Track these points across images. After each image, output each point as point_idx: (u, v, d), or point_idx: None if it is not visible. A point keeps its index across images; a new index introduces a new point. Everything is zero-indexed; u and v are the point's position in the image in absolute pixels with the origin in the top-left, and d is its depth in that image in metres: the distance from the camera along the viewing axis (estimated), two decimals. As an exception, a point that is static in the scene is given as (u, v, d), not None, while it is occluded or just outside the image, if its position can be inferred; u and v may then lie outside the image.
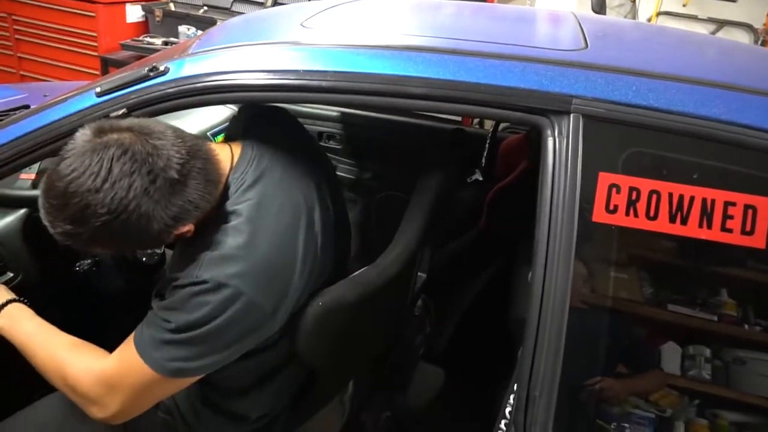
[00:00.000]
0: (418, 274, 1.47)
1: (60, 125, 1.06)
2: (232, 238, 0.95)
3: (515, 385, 1.03)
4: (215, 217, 0.99)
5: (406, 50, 1.01)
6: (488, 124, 2.59)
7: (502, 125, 2.14)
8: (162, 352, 0.95)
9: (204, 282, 0.93)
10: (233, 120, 1.29)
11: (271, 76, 1.00)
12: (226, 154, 1.04)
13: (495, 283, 1.89)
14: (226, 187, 1.01)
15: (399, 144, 2.09)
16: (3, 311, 1.08)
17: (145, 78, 1.04)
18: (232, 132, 1.24)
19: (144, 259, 1.43)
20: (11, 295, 1.11)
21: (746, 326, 0.93)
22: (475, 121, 3.01)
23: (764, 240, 0.86)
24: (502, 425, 1.06)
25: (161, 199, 0.91)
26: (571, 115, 0.91)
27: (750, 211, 0.86)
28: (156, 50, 3.06)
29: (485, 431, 1.08)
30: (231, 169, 1.03)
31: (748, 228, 0.86)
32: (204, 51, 1.08)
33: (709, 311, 0.92)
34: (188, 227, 0.97)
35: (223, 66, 1.03)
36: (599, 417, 0.95)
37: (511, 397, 1.05)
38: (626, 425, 0.94)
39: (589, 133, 0.90)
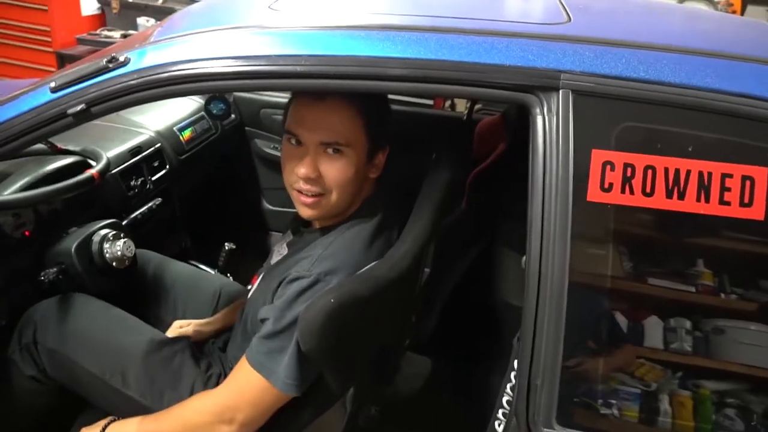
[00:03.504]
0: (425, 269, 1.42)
1: (11, 125, 0.98)
2: (344, 251, 1.06)
3: (512, 374, 1.00)
4: (345, 223, 1.12)
5: (383, 30, 0.96)
6: (461, 106, 2.56)
7: (476, 107, 2.10)
8: (274, 363, 1.03)
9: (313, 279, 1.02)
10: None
11: (241, 62, 0.94)
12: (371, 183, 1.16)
13: (476, 267, 1.87)
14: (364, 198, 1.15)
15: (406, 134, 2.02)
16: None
17: (105, 70, 0.96)
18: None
19: (114, 263, 1.36)
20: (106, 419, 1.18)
21: (732, 297, 0.91)
22: (447, 103, 2.97)
23: (763, 211, 0.84)
24: (500, 415, 1.03)
25: None
26: (561, 91, 0.87)
27: (748, 182, 0.83)
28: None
29: (476, 416, 1.05)
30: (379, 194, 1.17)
31: (746, 200, 0.84)
32: (167, 39, 1.01)
33: (713, 287, 0.90)
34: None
35: (188, 54, 0.96)
36: (600, 399, 0.93)
37: (508, 386, 1.02)
38: (613, 401, 0.91)
39: (580, 109, 0.87)
